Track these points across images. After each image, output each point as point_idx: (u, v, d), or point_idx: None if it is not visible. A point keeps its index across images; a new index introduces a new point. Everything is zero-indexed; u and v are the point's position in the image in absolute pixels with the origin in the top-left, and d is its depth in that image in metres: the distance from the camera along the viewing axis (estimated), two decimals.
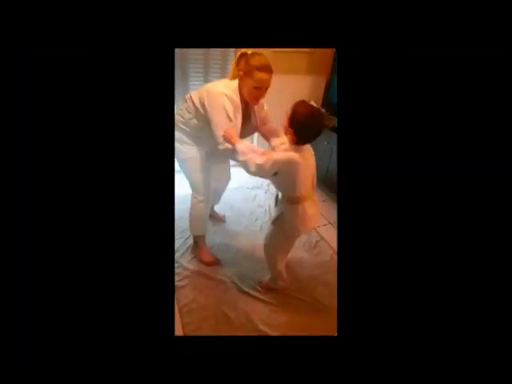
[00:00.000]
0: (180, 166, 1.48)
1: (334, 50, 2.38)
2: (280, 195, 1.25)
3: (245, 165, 1.13)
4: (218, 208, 2.02)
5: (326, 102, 2.47)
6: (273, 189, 2.07)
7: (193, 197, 1.54)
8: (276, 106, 2.23)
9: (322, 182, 2.33)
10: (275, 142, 1.32)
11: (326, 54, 2.43)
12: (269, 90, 1.27)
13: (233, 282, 1.54)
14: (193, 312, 1.37)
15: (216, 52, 2.20)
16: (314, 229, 1.93)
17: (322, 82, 2.49)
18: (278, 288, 1.50)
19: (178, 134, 1.43)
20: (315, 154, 1.20)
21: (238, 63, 1.23)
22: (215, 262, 1.65)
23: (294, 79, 2.43)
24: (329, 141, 2.18)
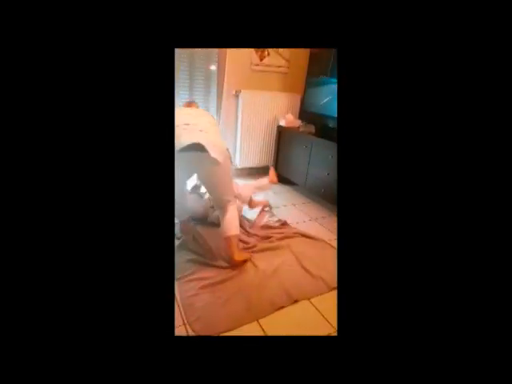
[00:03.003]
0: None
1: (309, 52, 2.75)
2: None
3: None
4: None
5: (302, 112, 2.98)
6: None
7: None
8: (262, 116, 2.87)
9: (303, 184, 2.60)
10: None
11: (299, 75, 2.94)
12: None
13: None
14: None
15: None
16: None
17: (297, 97, 3.03)
18: None
19: None
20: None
21: None
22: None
23: (274, 95, 2.91)
24: (307, 145, 2.45)
